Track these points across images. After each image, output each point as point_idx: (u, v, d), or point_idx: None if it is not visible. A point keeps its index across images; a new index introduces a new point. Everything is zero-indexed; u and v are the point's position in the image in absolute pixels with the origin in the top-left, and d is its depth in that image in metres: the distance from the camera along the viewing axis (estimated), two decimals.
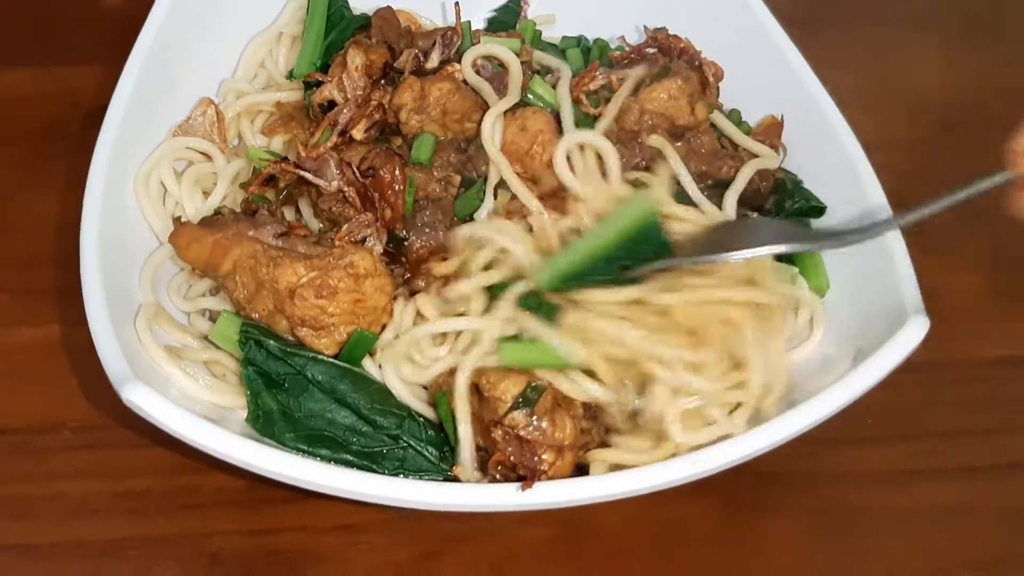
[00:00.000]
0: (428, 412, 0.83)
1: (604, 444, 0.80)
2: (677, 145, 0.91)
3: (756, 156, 0.94)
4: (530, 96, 0.92)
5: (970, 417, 0.94)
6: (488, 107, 0.90)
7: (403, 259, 0.87)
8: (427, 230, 0.87)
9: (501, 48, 0.93)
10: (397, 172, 0.85)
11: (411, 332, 0.82)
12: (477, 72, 0.95)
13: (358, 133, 0.90)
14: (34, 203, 1.06)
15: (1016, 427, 0.94)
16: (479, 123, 0.90)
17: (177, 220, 0.87)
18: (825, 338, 0.86)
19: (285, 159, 0.90)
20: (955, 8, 1.37)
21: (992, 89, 1.23)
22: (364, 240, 0.85)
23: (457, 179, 0.89)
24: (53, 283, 0.99)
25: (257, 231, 0.83)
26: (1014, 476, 0.90)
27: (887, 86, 1.25)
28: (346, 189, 0.86)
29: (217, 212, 0.89)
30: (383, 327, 0.84)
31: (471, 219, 0.88)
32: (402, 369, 0.82)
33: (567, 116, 0.89)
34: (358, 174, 0.85)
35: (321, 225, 0.89)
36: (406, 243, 0.87)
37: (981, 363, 0.98)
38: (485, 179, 0.89)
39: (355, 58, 0.94)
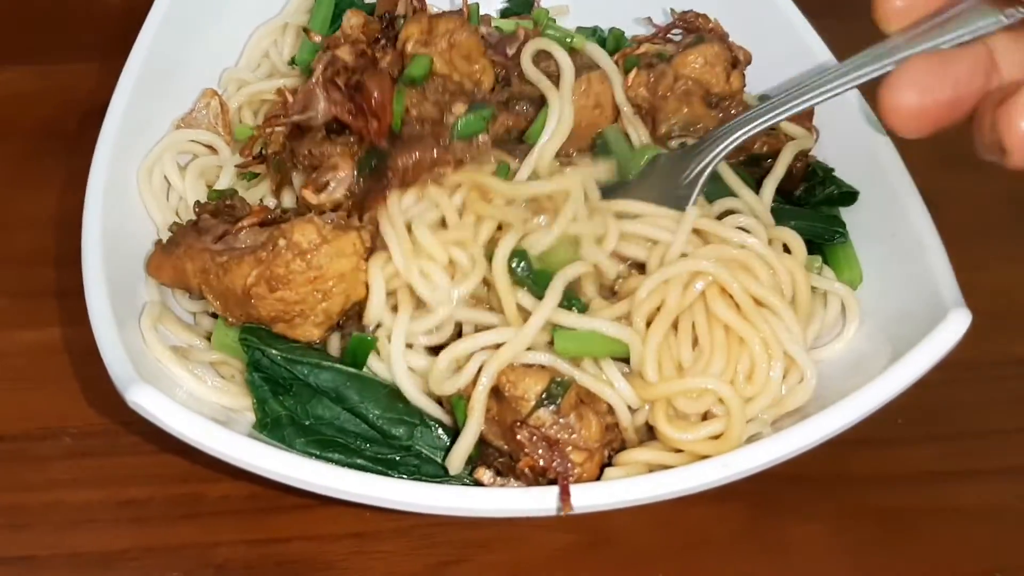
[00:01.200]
0: (441, 414, 0.79)
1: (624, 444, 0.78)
2: (712, 114, 0.89)
3: (790, 137, 0.92)
4: None
5: (1002, 417, 0.92)
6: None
7: (388, 174, 0.82)
8: (413, 142, 0.83)
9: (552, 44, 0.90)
10: (385, 84, 0.82)
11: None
12: (486, 38, 0.93)
13: (344, 53, 0.87)
14: (31, 201, 1.04)
15: None
16: (483, 66, 0.89)
17: (157, 243, 0.84)
18: (858, 333, 0.83)
19: (272, 115, 0.87)
20: None
21: None
22: (326, 185, 0.81)
23: (461, 107, 0.85)
24: (52, 283, 0.96)
25: (203, 239, 0.80)
26: None
27: None
28: (332, 108, 0.82)
29: (170, 228, 0.85)
30: (364, 285, 0.79)
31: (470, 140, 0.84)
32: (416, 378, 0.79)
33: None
34: (334, 98, 0.82)
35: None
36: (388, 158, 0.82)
37: (1010, 361, 0.96)
38: (488, 104, 0.87)
39: (351, 18, 0.92)
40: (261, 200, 0.90)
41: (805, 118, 0.95)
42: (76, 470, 0.85)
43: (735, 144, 0.83)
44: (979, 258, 1.00)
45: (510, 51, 0.91)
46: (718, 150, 0.83)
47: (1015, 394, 0.94)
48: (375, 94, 0.80)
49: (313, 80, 0.84)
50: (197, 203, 0.87)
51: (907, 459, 0.89)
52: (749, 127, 0.82)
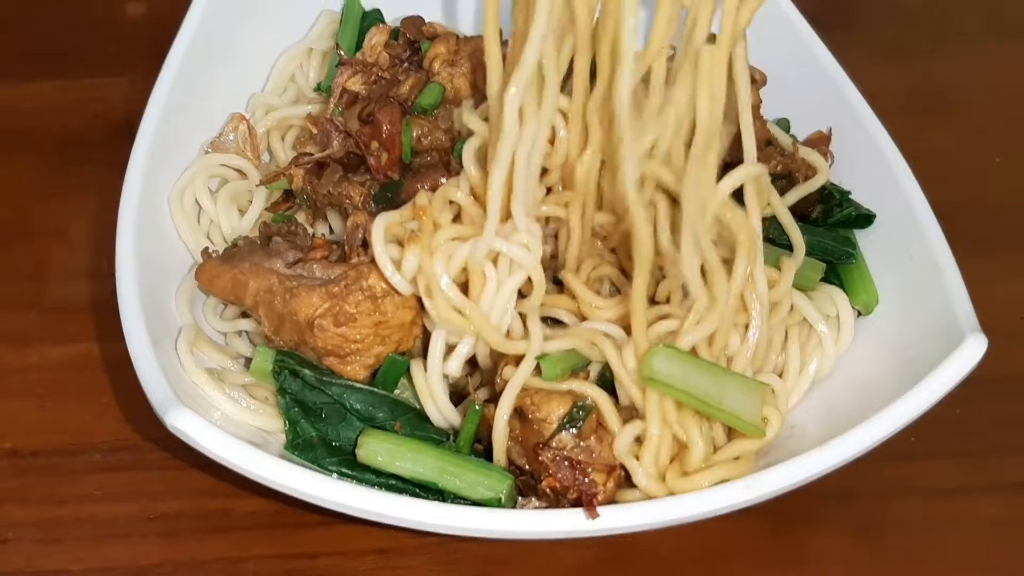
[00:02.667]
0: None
1: None
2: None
3: (806, 161, 0.94)
4: None
5: (1017, 432, 0.93)
6: None
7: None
8: (424, 171, 0.85)
9: None
10: (394, 116, 0.84)
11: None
12: None
13: (354, 84, 0.89)
14: (57, 213, 1.05)
15: None
16: None
17: (204, 252, 0.86)
18: (869, 355, 0.85)
19: (300, 154, 0.88)
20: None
21: None
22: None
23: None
24: (81, 297, 0.98)
25: (272, 261, 0.82)
26: None
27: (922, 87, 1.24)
28: (346, 144, 0.84)
29: (234, 243, 0.87)
30: (415, 338, 0.82)
31: None
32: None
33: None
34: (348, 128, 0.84)
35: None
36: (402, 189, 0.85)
37: (1020, 378, 0.96)
38: None
39: (373, 36, 0.94)
40: (315, 232, 0.92)
41: (823, 143, 0.96)
42: (107, 485, 0.86)
43: None
44: (994, 272, 1.02)
45: None
46: None
47: None
48: (384, 126, 0.82)
49: (328, 113, 0.86)
50: (264, 224, 0.89)
51: (924, 474, 0.89)
52: None
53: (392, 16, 1.05)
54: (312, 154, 0.88)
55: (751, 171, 0.76)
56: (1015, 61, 1.28)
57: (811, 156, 0.93)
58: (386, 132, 0.83)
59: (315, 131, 0.89)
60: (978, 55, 1.28)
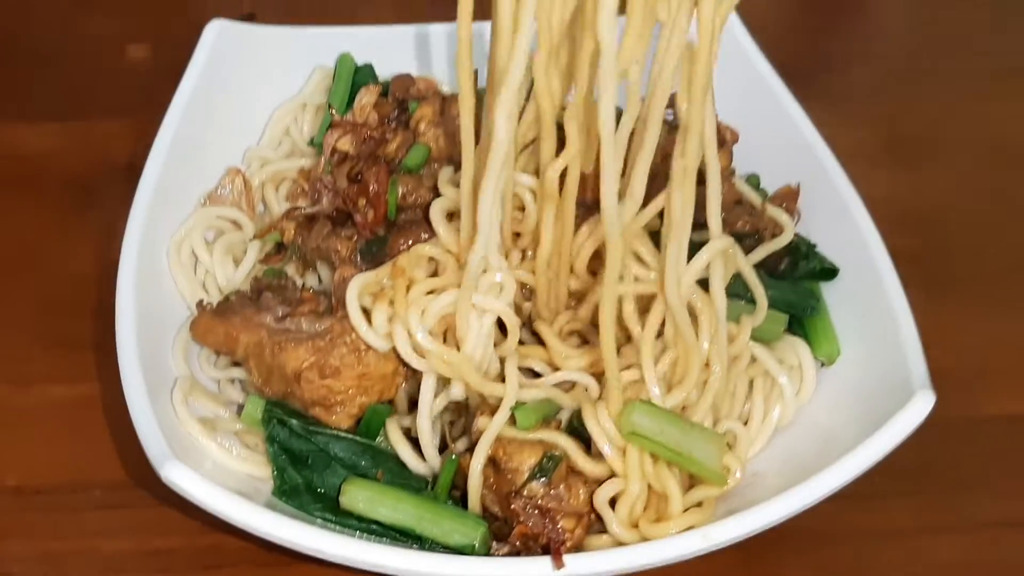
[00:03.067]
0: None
1: None
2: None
3: (773, 219, 0.97)
4: None
5: (977, 474, 0.96)
6: None
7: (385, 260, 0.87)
8: (408, 228, 0.88)
9: None
10: (381, 175, 0.89)
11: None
12: None
13: (344, 144, 0.93)
14: (60, 254, 1.09)
15: (1022, 484, 0.95)
16: None
17: (199, 304, 0.90)
18: (830, 404, 0.89)
19: (291, 208, 0.93)
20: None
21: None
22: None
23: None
24: (86, 338, 1.01)
25: (262, 315, 0.86)
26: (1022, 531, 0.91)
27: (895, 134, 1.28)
28: (334, 202, 0.89)
29: (227, 298, 0.91)
30: (397, 387, 0.86)
31: None
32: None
33: None
34: (337, 187, 0.88)
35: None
36: (387, 244, 0.88)
37: (985, 420, 1.00)
38: None
39: (363, 96, 0.98)
40: (304, 283, 0.96)
41: (790, 198, 1.00)
42: (107, 521, 0.89)
43: None
44: (959, 315, 1.06)
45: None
46: None
47: (989, 451, 0.97)
48: (372, 185, 0.86)
49: (320, 170, 0.90)
50: (256, 279, 0.93)
51: (882, 515, 0.92)
52: None
53: (383, 69, 1.10)
54: (303, 208, 0.93)
55: (718, 246, 0.80)
56: (988, 108, 1.32)
57: (778, 215, 0.97)
58: (373, 191, 0.88)
59: (307, 187, 0.94)
60: (951, 102, 1.32)
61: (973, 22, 1.46)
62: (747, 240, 0.95)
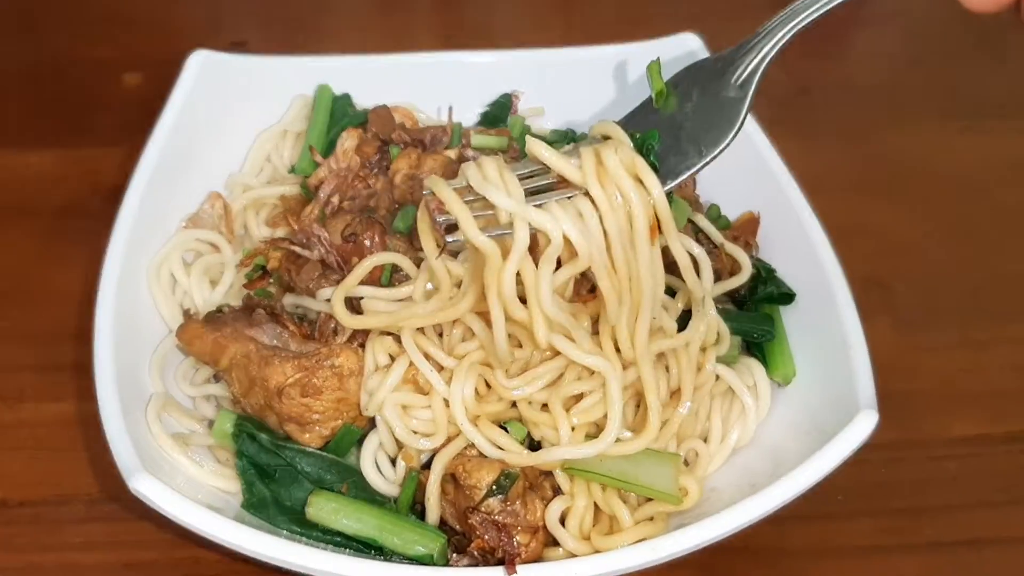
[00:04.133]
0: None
1: None
2: None
3: (730, 256, 1.00)
4: None
5: (935, 494, 0.98)
6: None
7: None
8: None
9: None
10: (376, 238, 0.91)
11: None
12: (467, 159, 1.02)
13: (338, 199, 0.97)
14: (55, 278, 1.12)
15: (981, 504, 0.97)
16: None
17: (186, 313, 0.93)
18: (785, 424, 0.91)
19: (279, 238, 0.96)
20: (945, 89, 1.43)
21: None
22: None
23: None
24: (72, 358, 1.04)
25: (253, 330, 0.89)
26: (981, 551, 0.94)
27: (872, 163, 1.31)
28: (325, 256, 0.91)
29: (219, 309, 0.95)
30: (369, 419, 0.89)
31: None
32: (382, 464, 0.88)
33: None
34: (331, 243, 0.91)
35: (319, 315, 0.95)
36: None
37: (948, 441, 1.02)
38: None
39: (345, 141, 1.02)
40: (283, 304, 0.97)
41: (751, 227, 1.03)
42: (88, 534, 0.93)
43: (791, 35, 0.77)
44: (927, 342, 1.09)
45: None
46: (773, 42, 0.78)
47: (950, 473, 0.99)
48: (366, 246, 0.90)
49: (310, 216, 0.93)
50: (248, 296, 0.96)
51: (843, 533, 0.94)
52: (802, 16, 0.77)
53: (362, 97, 1.13)
54: (288, 240, 0.96)
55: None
56: (961, 142, 1.35)
57: (736, 254, 0.99)
58: (369, 253, 0.91)
59: (295, 224, 0.97)
60: (922, 139, 1.35)
61: (951, 65, 1.49)
62: None
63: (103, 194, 1.19)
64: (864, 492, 0.97)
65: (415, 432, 0.85)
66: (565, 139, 1.12)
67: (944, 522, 0.96)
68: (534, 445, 0.85)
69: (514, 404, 0.85)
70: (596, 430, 0.83)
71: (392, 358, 0.87)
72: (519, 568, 0.74)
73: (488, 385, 0.85)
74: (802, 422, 0.90)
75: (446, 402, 0.84)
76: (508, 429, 0.84)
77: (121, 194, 0.98)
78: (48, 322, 1.09)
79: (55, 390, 1.03)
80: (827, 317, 0.92)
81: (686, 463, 0.90)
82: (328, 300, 0.89)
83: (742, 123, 0.79)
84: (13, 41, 1.47)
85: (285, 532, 0.83)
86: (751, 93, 0.78)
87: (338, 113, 1.10)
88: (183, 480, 0.84)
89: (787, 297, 0.98)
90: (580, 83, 1.16)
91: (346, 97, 1.13)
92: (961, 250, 1.21)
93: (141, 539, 0.92)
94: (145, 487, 0.75)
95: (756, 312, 0.97)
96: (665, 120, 0.81)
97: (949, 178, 1.30)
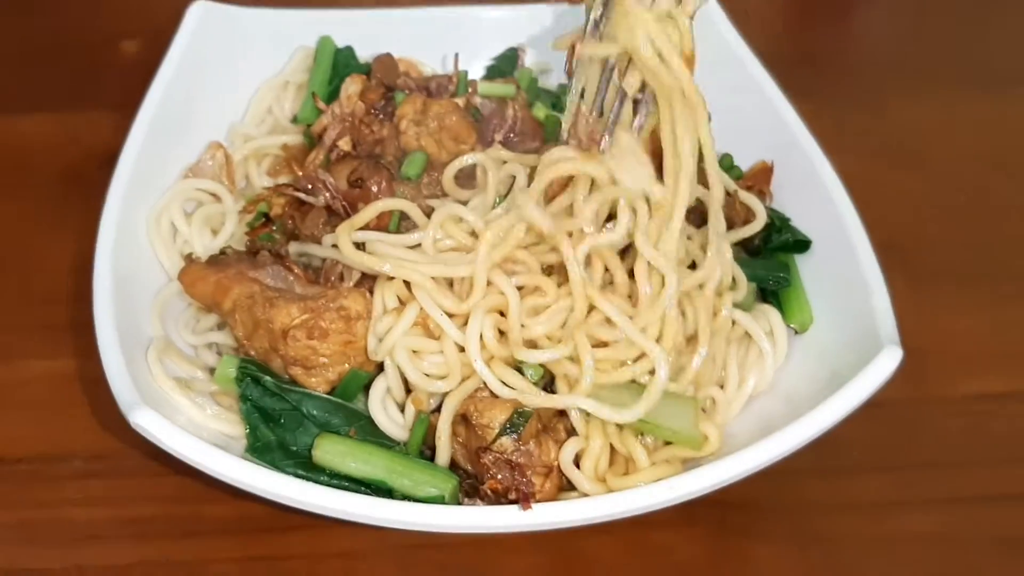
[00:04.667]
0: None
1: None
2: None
3: (744, 204, 0.98)
4: None
5: (951, 450, 0.97)
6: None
7: None
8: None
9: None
10: (384, 184, 0.89)
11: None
12: (477, 109, 0.99)
13: (345, 144, 0.95)
14: (52, 244, 1.10)
15: (997, 460, 0.96)
16: (472, 146, 0.95)
17: (188, 257, 0.91)
18: (803, 370, 0.89)
19: (282, 184, 0.94)
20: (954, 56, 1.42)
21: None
22: None
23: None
24: (69, 319, 1.02)
25: (257, 272, 0.87)
26: (996, 507, 0.92)
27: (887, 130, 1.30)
28: (331, 202, 0.89)
29: (222, 252, 0.92)
30: (376, 364, 0.87)
31: None
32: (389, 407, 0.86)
33: None
34: (337, 189, 0.89)
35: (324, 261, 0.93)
36: None
37: (964, 398, 1.01)
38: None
39: (349, 86, 1.00)
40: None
41: (764, 175, 1.01)
42: (85, 490, 0.91)
43: None
44: (944, 304, 1.08)
45: (497, 136, 0.98)
46: None
47: (963, 429, 0.98)
48: (373, 192, 0.87)
49: (314, 162, 0.91)
50: (251, 240, 0.94)
51: (860, 488, 0.93)
52: None
53: (363, 51, 1.12)
54: (292, 186, 0.94)
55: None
56: (975, 109, 1.33)
57: (751, 202, 0.97)
58: (376, 199, 0.89)
59: (298, 172, 0.94)
60: (940, 102, 1.34)
61: (955, 34, 1.48)
62: None
63: (100, 159, 1.14)
64: (879, 448, 0.95)
65: (427, 375, 0.83)
66: None
67: (961, 478, 0.94)
68: (549, 390, 0.83)
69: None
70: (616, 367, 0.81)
71: (401, 301, 0.84)
72: (535, 506, 0.72)
73: (501, 332, 0.83)
74: (820, 369, 0.88)
75: (458, 347, 0.82)
76: (524, 372, 0.82)
77: (115, 159, 0.97)
78: (44, 285, 1.07)
79: (49, 349, 1.01)
80: (844, 262, 0.90)
81: (703, 411, 0.88)
82: (334, 245, 0.87)
83: None
84: (8, 8, 1.45)
85: (292, 476, 0.80)
86: None
87: (340, 65, 1.08)
88: (185, 422, 0.82)
89: (803, 245, 0.96)
90: None
91: (348, 50, 1.11)
92: (976, 213, 1.20)
93: (140, 495, 0.90)
94: (146, 420, 0.73)
95: (771, 260, 0.95)
96: None
97: (964, 144, 1.28)
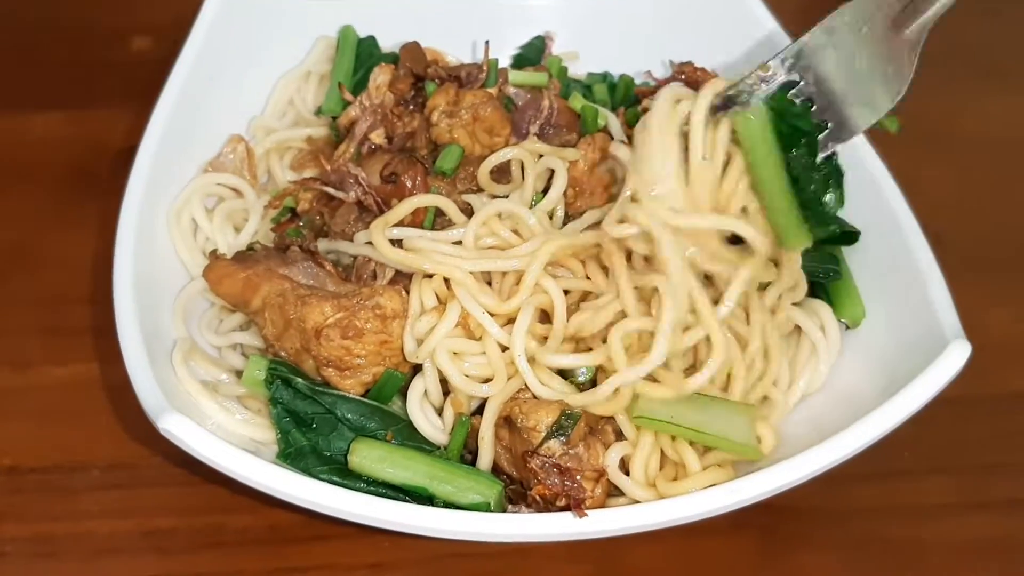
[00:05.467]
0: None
1: None
2: None
3: None
4: None
5: (1008, 450, 0.93)
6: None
7: None
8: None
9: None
10: (419, 179, 0.85)
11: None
12: (510, 99, 0.96)
13: (378, 137, 0.92)
14: (64, 242, 1.07)
15: None
16: (506, 139, 0.91)
17: (212, 254, 0.87)
18: (860, 366, 0.86)
19: (309, 178, 0.90)
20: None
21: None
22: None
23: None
24: (85, 321, 0.99)
25: (288, 268, 0.83)
26: None
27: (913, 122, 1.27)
28: (363, 198, 0.86)
29: (250, 248, 0.89)
30: (411, 365, 0.83)
31: None
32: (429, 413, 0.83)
33: None
34: (369, 184, 0.86)
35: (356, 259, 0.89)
36: None
37: (1014, 396, 0.98)
38: None
39: (378, 76, 0.96)
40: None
41: None
42: (104, 501, 0.87)
43: None
44: (987, 296, 1.04)
45: (532, 128, 0.94)
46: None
47: (1016, 428, 0.95)
48: (408, 188, 0.84)
49: (344, 156, 0.87)
50: (280, 236, 0.90)
51: (914, 492, 0.90)
52: None
53: (385, 40, 1.08)
54: (320, 180, 0.90)
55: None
56: (1000, 99, 1.30)
57: None
58: (410, 195, 0.85)
59: (325, 166, 0.91)
60: (967, 92, 1.31)
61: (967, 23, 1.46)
62: None
63: (112, 157, 1.15)
64: (931, 449, 0.92)
65: (468, 376, 0.79)
66: (603, 81, 1.08)
67: (1014, 479, 0.92)
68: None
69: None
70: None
71: (440, 300, 0.81)
72: (590, 513, 0.68)
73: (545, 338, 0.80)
74: (875, 366, 0.84)
75: (501, 347, 0.78)
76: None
77: (132, 156, 0.94)
78: (56, 286, 1.04)
79: (65, 354, 0.98)
80: (895, 253, 0.87)
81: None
82: (368, 243, 0.83)
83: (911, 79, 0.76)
84: (20, 4, 1.42)
85: (327, 484, 0.76)
86: (920, 45, 0.76)
87: (363, 55, 1.05)
88: (213, 428, 0.78)
89: (850, 237, 0.92)
90: (612, 27, 1.11)
91: (371, 39, 1.07)
92: (1012, 205, 1.17)
93: (160, 506, 0.87)
94: (175, 426, 0.69)
95: (819, 252, 0.91)
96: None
97: (995, 136, 1.26)
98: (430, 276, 0.81)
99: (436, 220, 0.86)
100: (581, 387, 0.80)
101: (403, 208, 0.82)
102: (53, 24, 1.38)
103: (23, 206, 1.12)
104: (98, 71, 1.30)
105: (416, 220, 0.84)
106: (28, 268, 1.06)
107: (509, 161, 0.88)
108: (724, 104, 0.76)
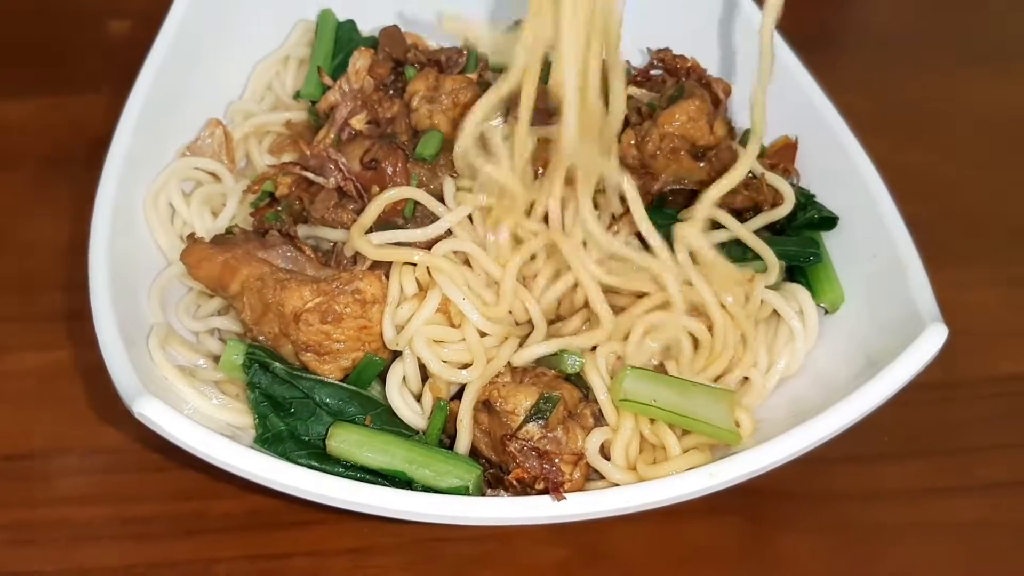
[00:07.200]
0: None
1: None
2: (700, 166, 0.91)
3: (771, 186, 0.93)
4: None
5: (988, 434, 0.94)
6: None
7: None
8: (427, 222, 0.85)
9: None
10: (399, 166, 0.85)
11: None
12: (488, 83, 0.95)
13: (358, 123, 0.91)
14: (40, 228, 1.06)
15: None
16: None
17: (190, 236, 0.86)
18: (838, 350, 0.86)
19: (289, 163, 0.90)
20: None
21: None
22: None
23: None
24: (61, 307, 0.98)
25: (267, 252, 0.83)
26: None
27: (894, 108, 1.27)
28: (343, 184, 0.85)
29: (228, 231, 0.88)
30: (391, 350, 0.83)
31: None
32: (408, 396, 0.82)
33: None
34: (350, 170, 0.85)
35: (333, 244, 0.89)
36: None
37: (996, 379, 0.98)
38: None
39: (357, 60, 0.96)
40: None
41: (788, 151, 0.97)
42: (82, 487, 0.87)
43: None
44: (967, 280, 1.05)
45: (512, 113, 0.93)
46: None
47: (997, 412, 0.95)
48: (388, 174, 0.83)
49: (324, 141, 0.87)
50: (258, 220, 0.90)
51: (892, 475, 0.90)
52: None
53: (363, 24, 1.07)
54: (300, 165, 0.89)
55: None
56: (982, 85, 1.30)
57: (778, 184, 0.93)
58: (391, 181, 0.85)
59: (305, 150, 0.90)
60: (947, 78, 1.31)
61: (955, 9, 1.46)
62: (747, 214, 0.92)
63: (89, 141, 1.11)
64: (911, 433, 0.93)
65: (447, 363, 0.79)
66: None
67: (998, 462, 0.92)
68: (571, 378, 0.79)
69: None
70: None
71: (420, 286, 0.81)
72: (568, 496, 0.68)
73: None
74: (852, 349, 0.84)
75: (480, 333, 0.78)
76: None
77: (109, 141, 0.92)
78: (32, 272, 1.03)
79: (41, 340, 0.97)
80: (873, 237, 0.87)
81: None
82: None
83: None
84: None
85: (305, 468, 0.75)
86: None
87: (343, 39, 1.04)
88: (190, 412, 0.77)
89: (829, 222, 0.92)
90: None
91: (350, 23, 1.06)
92: (994, 190, 1.17)
93: (140, 492, 0.87)
94: (151, 410, 0.68)
95: (800, 236, 0.91)
96: None
97: (977, 121, 1.25)
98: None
99: (416, 206, 0.85)
100: (570, 379, 0.80)
101: (374, 208, 0.82)
102: (29, 7, 1.36)
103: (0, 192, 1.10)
104: (75, 54, 1.28)
105: (396, 210, 0.84)
106: (4, 254, 1.05)
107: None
108: None
